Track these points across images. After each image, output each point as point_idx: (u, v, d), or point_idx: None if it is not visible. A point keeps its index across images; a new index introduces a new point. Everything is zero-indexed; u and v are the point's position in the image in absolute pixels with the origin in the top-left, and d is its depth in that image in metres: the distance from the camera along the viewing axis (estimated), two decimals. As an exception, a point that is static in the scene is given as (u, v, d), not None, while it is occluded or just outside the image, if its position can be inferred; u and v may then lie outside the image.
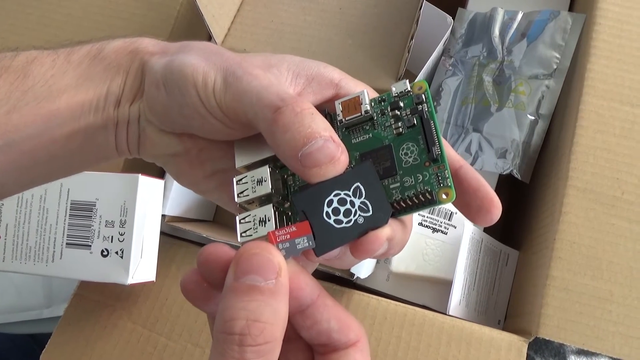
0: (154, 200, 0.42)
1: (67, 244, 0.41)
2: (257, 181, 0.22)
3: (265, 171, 0.22)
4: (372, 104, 0.23)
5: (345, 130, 0.23)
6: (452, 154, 0.23)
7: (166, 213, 0.47)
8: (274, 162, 0.24)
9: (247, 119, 0.22)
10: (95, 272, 0.40)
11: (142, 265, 0.41)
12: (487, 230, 0.49)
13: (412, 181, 0.22)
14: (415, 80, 0.23)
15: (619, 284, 0.40)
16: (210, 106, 0.23)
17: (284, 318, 0.19)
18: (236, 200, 0.22)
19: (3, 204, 0.42)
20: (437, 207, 0.47)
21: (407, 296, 0.47)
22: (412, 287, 0.47)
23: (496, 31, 0.52)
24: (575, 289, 0.41)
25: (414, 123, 0.22)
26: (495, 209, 0.22)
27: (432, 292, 0.47)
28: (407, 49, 0.40)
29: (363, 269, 0.44)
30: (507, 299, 0.50)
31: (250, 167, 0.24)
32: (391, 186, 0.22)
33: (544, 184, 0.48)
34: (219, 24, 0.43)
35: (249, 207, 0.23)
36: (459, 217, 0.47)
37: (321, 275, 0.46)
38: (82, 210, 0.41)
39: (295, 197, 0.21)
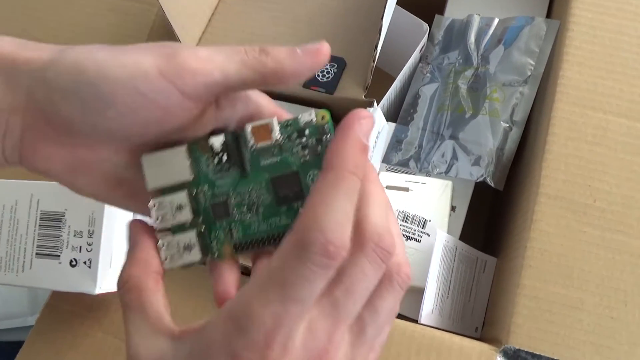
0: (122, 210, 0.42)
1: (36, 254, 0.41)
2: (177, 207, 0.23)
3: (183, 197, 0.23)
4: (280, 128, 0.24)
5: (255, 152, 0.24)
6: None
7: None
8: (188, 184, 0.24)
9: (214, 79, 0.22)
10: (64, 282, 0.40)
11: (111, 275, 0.41)
12: (467, 237, 0.49)
13: None
14: (319, 110, 0.24)
15: (590, 293, 0.40)
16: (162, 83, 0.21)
17: None
18: (155, 226, 0.23)
19: (-26, 215, 0.42)
20: (410, 215, 0.47)
21: (382, 304, 0.47)
22: (386, 295, 0.47)
23: (472, 37, 0.52)
24: (546, 298, 0.40)
25: (319, 152, 0.24)
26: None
27: (405, 300, 0.46)
28: (372, 58, 0.40)
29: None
30: (484, 306, 0.50)
31: (164, 190, 0.24)
32: (300, 209, 0.23)
33: (518, 191, 0.48)
34: (189, 34, 0.43)
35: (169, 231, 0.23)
36: (432, 225, 0.47)
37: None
38: (51, 221, 0.41)
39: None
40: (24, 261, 0.41)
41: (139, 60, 0.21)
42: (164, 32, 0.51)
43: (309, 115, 0.24)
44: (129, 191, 0.25)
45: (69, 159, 0.23)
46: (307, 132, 0.24)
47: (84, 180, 0.24)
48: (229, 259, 0.24)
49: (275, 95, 0.45)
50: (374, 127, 0.22)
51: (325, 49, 0.23)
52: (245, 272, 0.42)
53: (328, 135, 0.24)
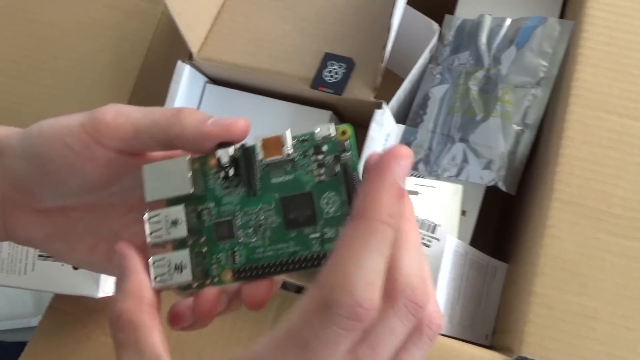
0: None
1: (39, 256, 0.40)
2: (172, 222, 0.21)
3: (180, 211, 0.21)
4: (295, 142, 0.22)
5: (266, 168, 0.22)
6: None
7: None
8: (188, 198, 0.22)
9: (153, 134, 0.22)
10: (66, 285, 0.40)
11: (113, 278, 0.40)
12: (477, 242, 0.48)
13: (332, 234, 0.21)
14: (340, 125, 0.22)
15: (605, 301, 0.39)
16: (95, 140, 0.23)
17: None
18: (148, 240, 0.21)
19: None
20: (420, 219, 0.46)
21: (389, 310, 0.46)
22: (394, 301, 0.46)
23: (483, 38, 0.51)
24: (559, 306, 0.39)
25: (337, 172, 0.21)
26: None
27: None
28: (381, 59, 0.39)
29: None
30: (495, 313, 0.49)
31: (167, 202, 0.23)
32: (310, 236, 0.21)
33: (530, 196, 0.47)
34: (194, 32, 0.43)
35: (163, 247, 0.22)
36: (442, 230, 0.46)
37: (297, 289, 0.45)
38: (54, 223, 0.40)
39: None
40: (26, 263, 0.40)
41: (68, 120, 0.23)
42: (169, 30, 0.51)
43: (327, 129, 0.21)
44: (108, 251, 0.25)
45: (45, 225, 0.25)
46: (324, 148, 0.21)
47: (64, 246, 0.25)
48: (228, 285, 0.22)
49: (281, 96, 0.45)
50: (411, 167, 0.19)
51: (239, 126, 0.22)
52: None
53: (348, 154, 0.21)
